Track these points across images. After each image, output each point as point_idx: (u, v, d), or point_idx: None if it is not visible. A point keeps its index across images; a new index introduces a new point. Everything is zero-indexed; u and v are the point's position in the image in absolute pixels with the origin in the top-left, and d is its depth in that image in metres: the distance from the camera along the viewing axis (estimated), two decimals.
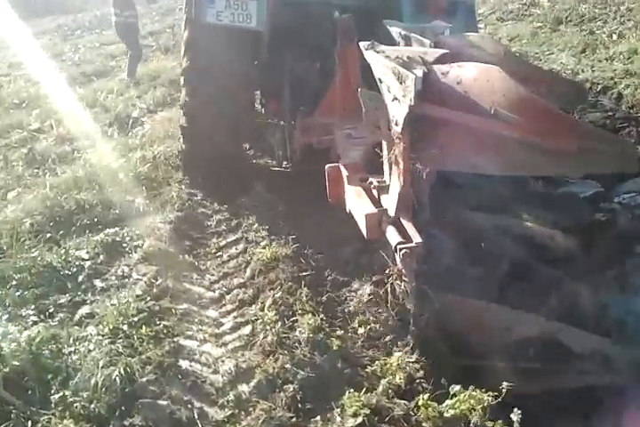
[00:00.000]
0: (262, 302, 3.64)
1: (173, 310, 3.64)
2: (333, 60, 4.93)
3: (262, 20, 4.87)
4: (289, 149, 4.80)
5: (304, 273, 3.97)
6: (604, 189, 4.87)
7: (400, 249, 2.67)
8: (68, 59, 14.11)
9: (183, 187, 5.53)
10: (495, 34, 11.11)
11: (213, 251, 4.53)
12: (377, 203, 3.21)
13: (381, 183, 3.24)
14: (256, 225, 4.66)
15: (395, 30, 3.88)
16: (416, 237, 2.72)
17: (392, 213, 2.94)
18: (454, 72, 2.68)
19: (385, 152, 3.19)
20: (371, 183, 3.30)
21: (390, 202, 2.97)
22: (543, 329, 2.74)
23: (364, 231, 3.09)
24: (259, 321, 3.41)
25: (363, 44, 3.13)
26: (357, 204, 3.26)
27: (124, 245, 4.54)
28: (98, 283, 4.06)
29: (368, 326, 3.32)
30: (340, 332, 3.27)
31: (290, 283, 3.76)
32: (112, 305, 3.60)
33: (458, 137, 2.65)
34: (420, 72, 2.64)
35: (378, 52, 2.98)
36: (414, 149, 2.76)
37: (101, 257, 4.38)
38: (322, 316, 3.38)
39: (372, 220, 3.00)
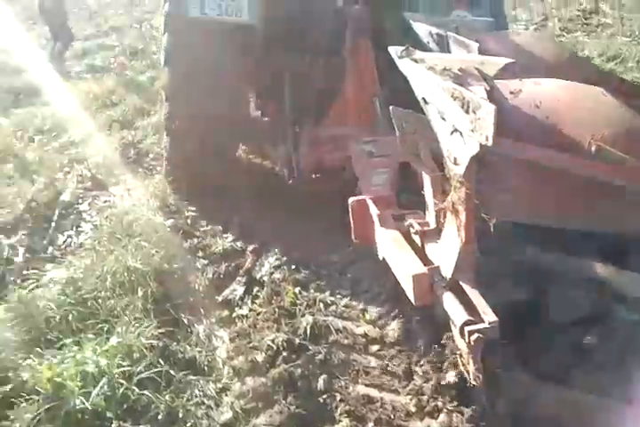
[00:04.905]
0: None
1: None
2: (340, 57, 4.25)
3: (255, 12, 4.17)
4: (295, 168, 4.08)
5: None
6: None
7: (470, 332, 2.00)
8: None
9: None
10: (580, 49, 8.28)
11: None
12: (420, 252, 2.53)
13: (424, 226, 2.57)
14: None
15: (422, 27, 3.19)
16: (489, 315, 2.04)
17: (448, 274, 2.25)
18: (529, 91, 2.00)
19: (428, 190, 2.51)
20: (410, 226, 2.62)
21: (446, 259, 2.28)
22: None
23: (409, 295, 2.41)
24: None
25: (394, 50, 2.42)
26: (396, 254, 2.56)
27: None
28: None
29: None
30: None
31: None
32: None
33: (536, 180, 1.98)
34: (481, 91, 1.97)
35: (417, 62, 2.29)
36: (477, 194, 2.08)
37: None
38: None
39: (422, 282, 2.31)
